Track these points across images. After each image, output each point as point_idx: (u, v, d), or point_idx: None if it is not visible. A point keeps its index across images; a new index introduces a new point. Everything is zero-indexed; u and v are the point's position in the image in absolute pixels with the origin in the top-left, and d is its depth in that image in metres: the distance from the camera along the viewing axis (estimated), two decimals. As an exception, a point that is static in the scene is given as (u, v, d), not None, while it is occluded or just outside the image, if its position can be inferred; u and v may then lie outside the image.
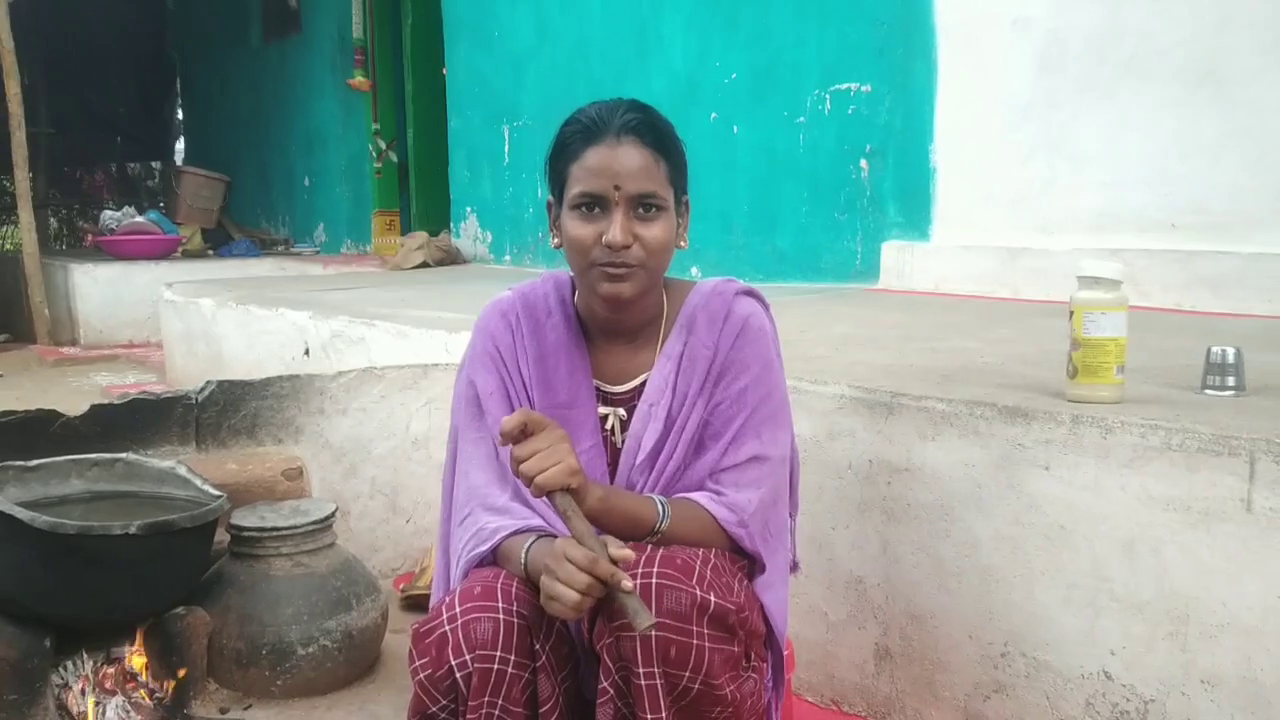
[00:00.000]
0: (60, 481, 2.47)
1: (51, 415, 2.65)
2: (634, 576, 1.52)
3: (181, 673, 2.35)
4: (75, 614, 2.26)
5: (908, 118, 4.18)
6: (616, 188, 1.63)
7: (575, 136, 1.69)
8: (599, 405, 1.81)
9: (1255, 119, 3.32)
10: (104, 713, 2.25)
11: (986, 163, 3.95)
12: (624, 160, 1.63)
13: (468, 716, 1.59)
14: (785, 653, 1.83)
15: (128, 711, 2.26)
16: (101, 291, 7.30)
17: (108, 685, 2.30)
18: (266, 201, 9.63)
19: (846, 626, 2.27)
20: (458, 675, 1.57)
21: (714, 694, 1.57)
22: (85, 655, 2.31)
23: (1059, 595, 1.93)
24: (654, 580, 1.54)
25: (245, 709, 2.38)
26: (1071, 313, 1.95)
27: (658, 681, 1.54)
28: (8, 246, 10.88)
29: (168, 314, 5.59)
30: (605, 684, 1.58)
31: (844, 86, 4.41)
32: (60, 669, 2.29)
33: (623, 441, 1.79)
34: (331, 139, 8.55)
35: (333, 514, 2.57)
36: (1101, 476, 1.86)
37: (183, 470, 2.51)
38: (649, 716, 1.54)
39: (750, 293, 1.82)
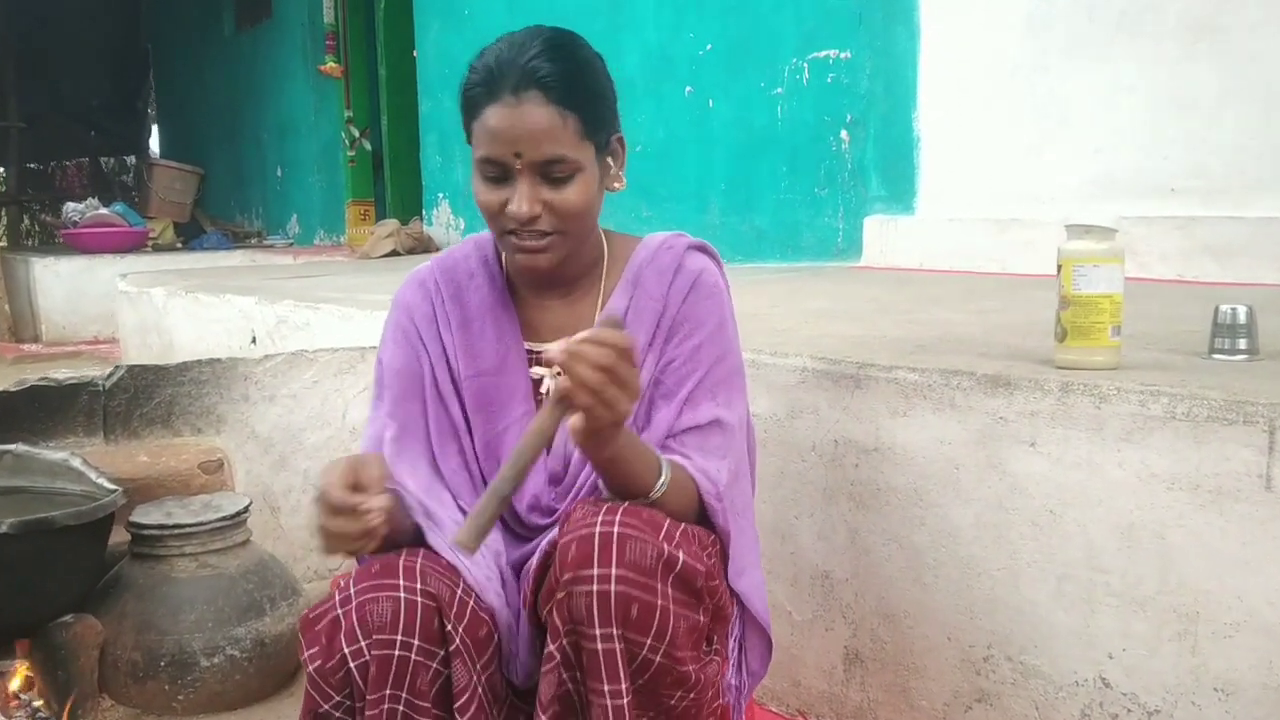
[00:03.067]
0: (-58, 476, 2.23)
1: (-61, 403, 2.41)
2: (592, 525, 1.33)
3: (71, 698, 2.11)
4: (-55, 624, 2.02)
5: (889, 85, 3.94)
6: (517, 154, 1.43)
7: (476, 89, 1.48)
8: (532, 368, 1.62)
9: (1258, 74, 3.07)
10: (-19, 733, 2.01)
11: (973, 130, 3.71)
12: (526, 122, 1.42)
13: (367, 714, 1.35)
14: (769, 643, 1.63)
15: (8, 732, 2.02)
16: (64, 286, 7.04)
17: (-12, 703, 2.06)
18: (240, 194, 9.40)
19: (812, 627, 2.03)
20: (352, 665, 1.36)
21: (676, 670, 1.34)
22: (-38, 670, 2.07)
23: (1049, 590, 1.68)
24: (615, 529, 1.33)
25: (142, 728, 2.15)
26: (1059, 267, 1.70)
27: (616, 645, 1.31)
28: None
29: (123, 306, 5.35)
30: (552, 648, 1.35)
31: (822, 54, 4.16)
32: (-65, 685, 2.05)
33: None
34: (304, 128, 8.31)
35: (245, 509, 2.33)
36: (1095, 452, 1.61)
37: (77, 463, 2.27)
38: (606, 688, 1.31)
39: (701, 247, 1.63)
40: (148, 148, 11.31)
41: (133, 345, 5.21)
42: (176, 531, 2.22)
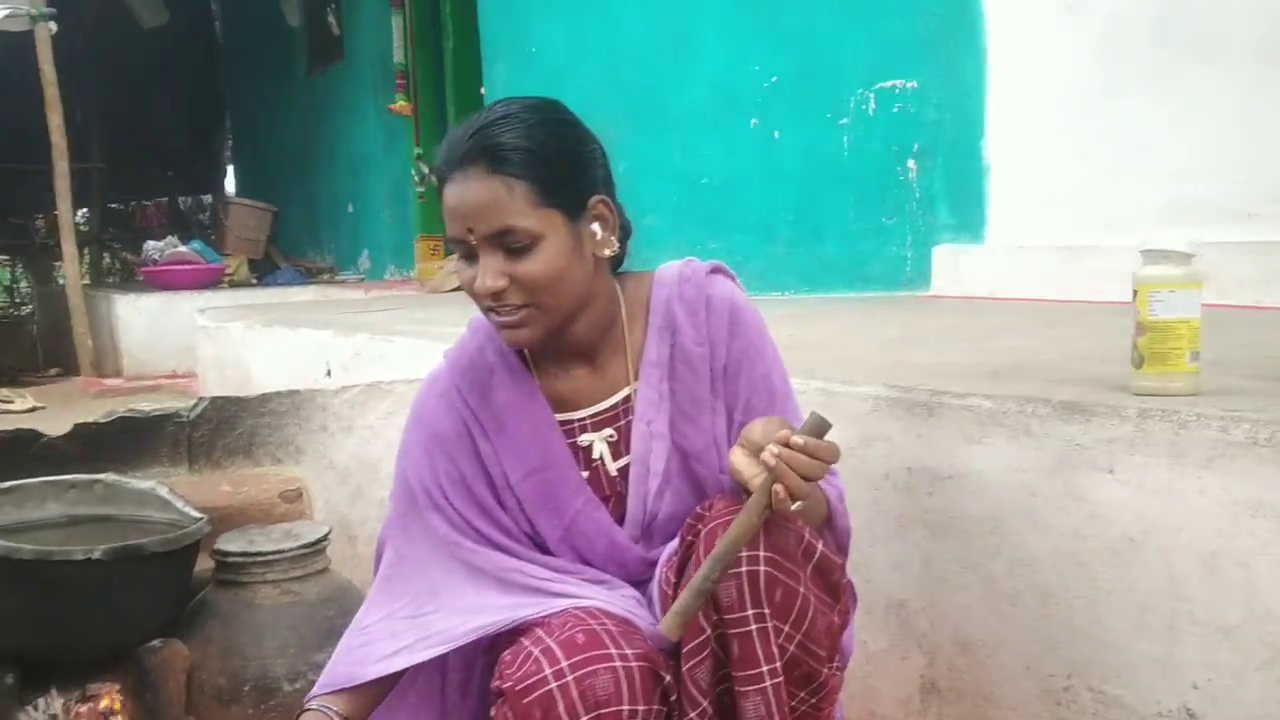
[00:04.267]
0: (35, 505, 2.31)
1: (32, 434, 2.50)
2: (737, 513, 1.36)
3: None
4: (39, 647, 2.08)
5: (957, 114, 3.93)
6: (470, 230, 1.43)
7: (438, 169, 1.49)
8: (579, 437, 1.60)
9: (1337, 97, 3.03)
10: (74, 756, 2.06)
11: (1044, 157, 3.68)
12: (471, 195, 1.43)
13: None
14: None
15: (99, 754, 2.07)
16: (144, 322, 7.23)
17: (80, 727, 2.11)
18: (312, 231, 9.59)
19: (888, 657, 2.02)
20: None
21: (808, 665, 1.37)
22: (55, 693, 2.13)
23: (1130, 619, 1.66)
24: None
25: (227, 751, 2.19)
26: (1135, 292, 1.70)
27: (768, 625, 1.33)
28: (61, 282, 10.97)
29: (201, 340, 5.49)
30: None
31: (889, 84, 4.16)
32: (30, 708, 2.11)
33: (617, 469, 1.59)
34: (375, 165, 8.48)
35: (325, 536, 2.38)
36: (1175, 479, 1.59)
37: (163, 492, 2.33)
38: (764, 668, 1.33)
39: (719, 269, 1.63)
40: (223, 187, 11.59)
41: (211, 378, 5.33)
42: (259, 559, 2.27)
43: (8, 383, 7.03)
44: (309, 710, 1.59)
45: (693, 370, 1.56)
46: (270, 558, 2.27)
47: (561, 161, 1.48)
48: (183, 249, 7.72)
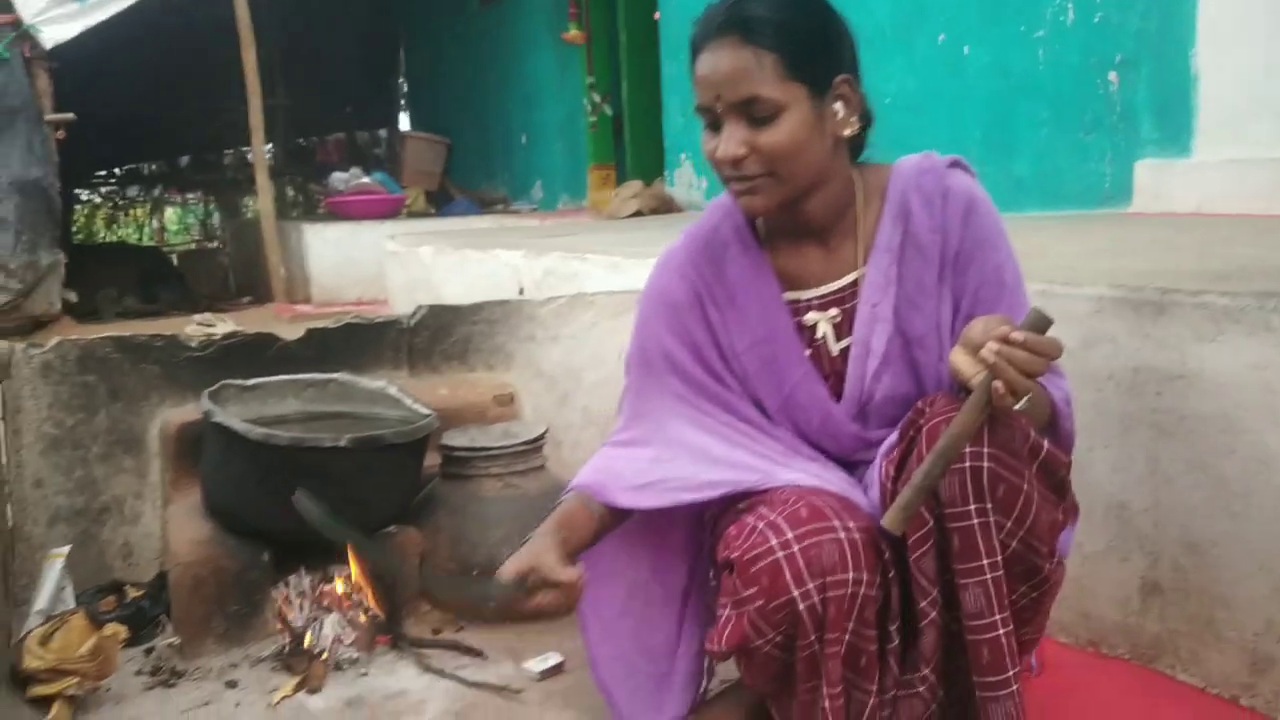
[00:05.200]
0: (277, 401, 2.48)
1: (270, 339, 2.67)
2: (954, 409, 1.39)
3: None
4: (290, 529, 2.22)
5: (1164, 21, 3.76)
6: (718, 98, 1.47)
7: (692, 42, 1.54)
8: (805, 315, 1.65)
9: None
10: (321, 628, 2.22)
11: (1259, 64, 3.50)
12: (723, 64, 1.47)
13: (826, 651, 1.44)
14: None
15: (344, 628, 2.23)
16: (331, 251, 7.54)
17: (324, 603, 2.27)
18: (485, 162, 9.79)
19: (1106, 559, 2.01)
20: (800, 606, 1.43)
21: (1030, 560, 1.40)
22: (304, 572, 2.29)
23: (1377, 518, 1.62)
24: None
25: (458, 630, 2.32)
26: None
27: (990, 520, 1.36)
28: (250, 215, 11.50)
29: (391, 265, 5.71)
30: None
31: (1089, -7, 4.01)
32: (281, 584, 2.28)
33: (839, 350, 1.63)
34: (548, 96, 8.59)
35: (543, 435, 2.49)
36: None
37: (394, 390, 2.48)
38: (984, 561, 1.37)
39: (958, 163, 1.64)
40: (398, 122, 11.92)
41: (401, 302, 5.54)
42: (483, 454, 2.39)
43: (204, 310, 7.45)
44: (570, 494, 1.70)
45: (923, 256, 1.58)
46: (494, 453, 2.39)
47: (811, 38, 1.51)
48: (366, 180, 8.00)
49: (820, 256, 1.65)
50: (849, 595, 1.43)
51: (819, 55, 1.51)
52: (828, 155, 1.55)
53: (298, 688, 2.09)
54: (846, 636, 1.44)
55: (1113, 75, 3.92)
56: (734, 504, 1.63)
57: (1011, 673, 1.41)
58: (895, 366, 1.62)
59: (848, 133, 1.55)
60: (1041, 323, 1.35)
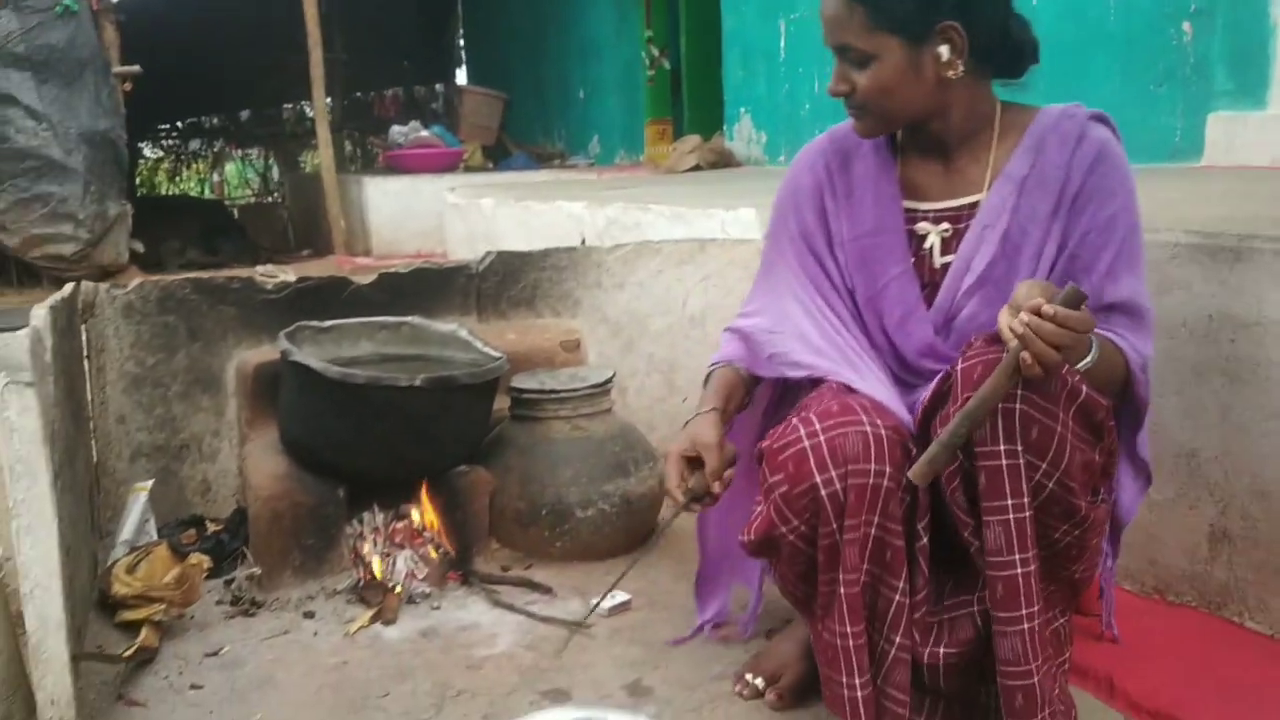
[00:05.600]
0: (351, 343, 2.53)
1: (343, 282, 2.72)
2: (998, 352, 1.43)
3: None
4: (366, 466, 2.30)
5: (1242, -31, 3.68)
6: (827, 38, 1.65)
7: None
8: (917, 224, 1.74)
9: None
10: (394, 564, 2.28)
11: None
12: (825, 12, 1.63)
13: (845, 537, 1.50)
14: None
15: (415, 564, 2.29)
16: (391, 204, 7.61)
17: (397, 539, 2.33)
18: (542, 117, 9.80)
19: (1174, 506, 2.01)
20: (823, 493, 1.50)
21: (1068, 501, 1.43)
22: (377, 509, 2.35)
23: None
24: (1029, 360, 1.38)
25: (526, 568, 2.38)
26: None
27: (1019, 461, 1.40)
28: (308, 169, 11.61)
29: (451, 216, 5.75)
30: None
31: (1163, -61, 3.93)
32: (355, 521, 2.34)
33: (941, 264, 1.70)
34: (606, 49, 8.57)
35: (610, 379, 2.52)
36: None
37: (464, 333, 2.52)
38: (1009, 502, 1.41)
39: (1102, 118, 1.68)
40: (455, 76, 11.95)
41: (460, 254, 5.58)
42: (553, 396, 2.43)
43: (265, 262, 7.56)
44: (718, 365, 1.87)
45: (1043, 189, 1.63)
46: (563, 395, 2.43)
47: None
48: (424, 133, 8.05)
49: (943, 175, 1.73)
50: (870, 485, 1.49)
51: (911, 6, 1.58)
52: (929, 94, 1.63)
53: (373, 619, 2.15)
54: (870, 529, 1.50)
55: (1186, 25, 3.85)
56: (801, 391, 1.77)
57: (1025, 611, 1.44)
58: (987, 290, 1.67)
59: (951, 74, 1.61)
60: (1075, 298, 1.37)
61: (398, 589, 2.22)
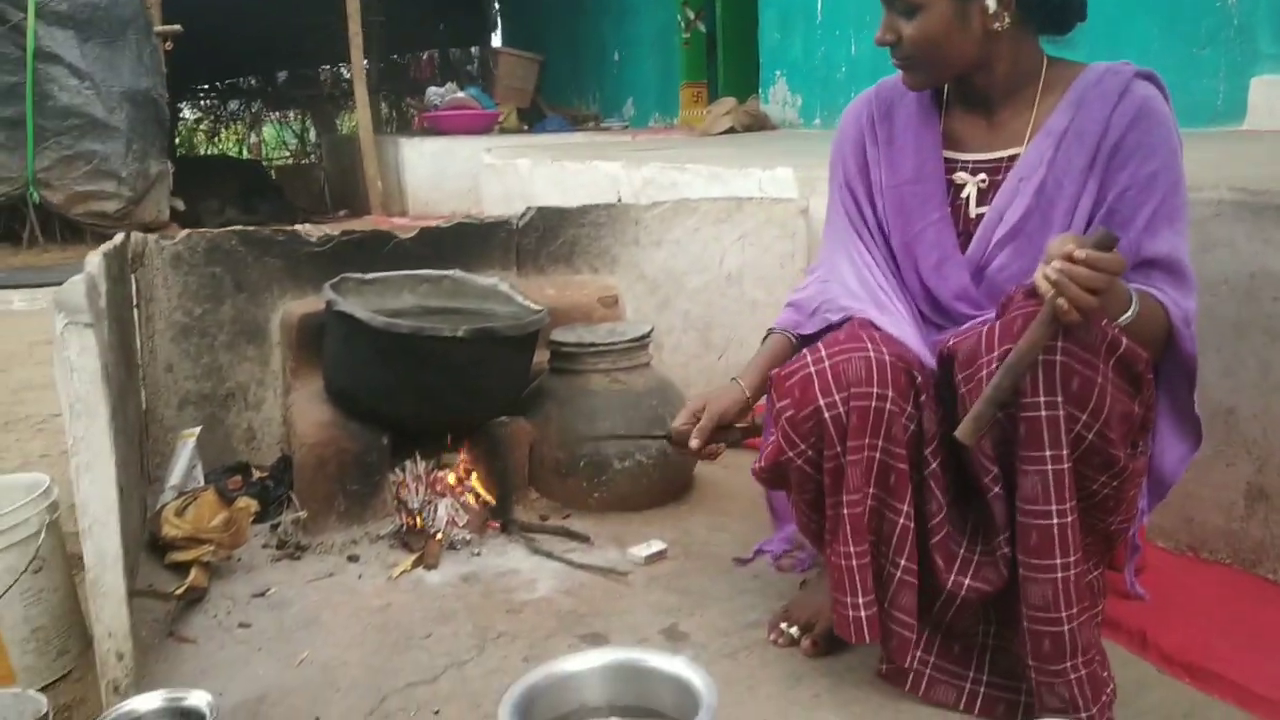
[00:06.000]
0: (394, 295, 2.56)
1: (385, 236, 2.76)
2: (1039, 306, 1.42)
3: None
4: (409, 414, 2.34)
5: (1289, -70, 3.63)
6: None
7: None
8: (956, 174, 1.76)
9: None
10: (435, 511, 2.33)
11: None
12: None
13: (848, 459, 1.54)
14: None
15: (456, 511, 2.33)
16: (427, 165, 7.64)
17: (438, 488, 2.38)
18: (577, 79, 9.80)
19: (1211, 464, 2.02)
20: (826, 415, 1.55)
21: (1107, 452, 1.44)
22: (419, 457, 2.39)
23: None
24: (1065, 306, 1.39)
25: (564, 518, 2.41)
26: None
27: (1059, 413, 1.42)
28: (345, 131, 11.65)
29: (487, 177, 5.78)
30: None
31: (1208, -104, 3.87)
32: (397, 469, 2.39)
33: (977, 214, 1.72)
34: (641, 12, 8.55)
35: (649, 334, 2.55)
36: None
37: (505, 287, 2.55)
38: (1047, 453, 1.43)
39: (1149, 76, 1.67)
40: (491, 39, 11.93)
41: (497, 214, 5.61)
42: (592, 349, 2.46)
43: (302, 222, 7.62)
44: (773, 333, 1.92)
45: (1080, 143, 1.64)
46: (602, 349, 2.46)
47: None
48: (461, 95, 8.07)
49: (985, 127, 1.75)
50: (873, 409, 1.53)
51: None
52: (975, 46, 1.65)
53: (415, 563, 2.20)
54: (873, 452, 1.54)
55: (1231, -12, 3.80)
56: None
57: (1059, 560, 1.46)
58: (1019, 242, 1.68)
59: (998, 26, 1.63)
60: (1106, 240, 1.37)
61: (439, 535, 2.26)
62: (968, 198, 1.74)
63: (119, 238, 2.41)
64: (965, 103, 1.76)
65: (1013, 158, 1.71)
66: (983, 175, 1.73)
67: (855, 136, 1.86)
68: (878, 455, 1.55)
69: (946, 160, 1.77)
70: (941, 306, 1.76)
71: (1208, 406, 2.00)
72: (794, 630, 1.84)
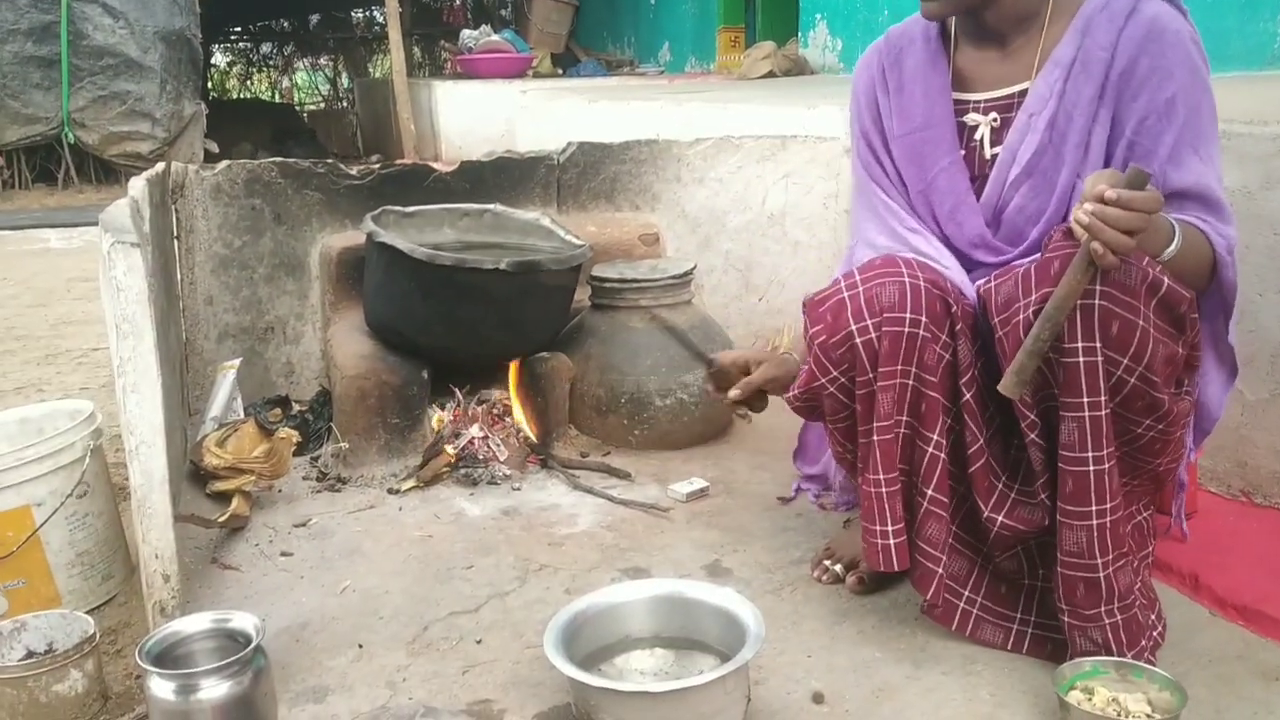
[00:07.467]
0: (434, 229, 2.54)
1: (425, 169, 2.73)
2: (1076, 248, 1.38)
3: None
4: (450, 347, 2.33)
5: None
6: None
7: None
8: (968, 115, 1.70)
9: None
10: (460, 440, 2.31)
11: None
12: None
13: (879, 385, 1.52)
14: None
15: (497, 446, 2.32)
16: (461, 109, 7.57)
17: (479, 422, 2.36)
18: (612, 24, 9.67)
19: (1267, 407, 1.98)
20: (857, 341, 1.53)
21: (1150, 395, 1.40)
22: (460, 392, 2.38)
23: None
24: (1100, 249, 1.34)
25: (604, 455, 2.40)
26: None
27: (1097, 359, 1.38)
28: (378, 75, 11.58)
29: (523, 119, 5.72)
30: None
31: None
32: (438, 404, 2.38)
33: (991, 155, 1.66)
34: (678, -46, 8.40)
35: (691, 271, 2.52)
36: None
37: (547, 222, 2.52)
38: (1085, 400, 1.39)
39: None
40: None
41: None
42: (633, 285, 2.43)
43: (335, 167, 7.59)
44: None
45: (1087, 72, 1.56)
46: (643, 285, 2.43)
47: None
48: (495, 38, 7.99)
49: (997, 62, 1.68)
50: (905, 335, 1.50)
51: None
52: None
53: (420, 467, 2.26)
54: (906, 380, 1.51)
55: (1293, -75, 3.68)
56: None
57: (1095, 508, 1.43)
58: (1034, 181, 1.62)
59: None
60: (1139, 179, 1.31)
61: (451, 450, 2.27)
62: (981, 139, 1.67)
63: (160, 166, 2.39)
64: (977, 38, 1.69)
65: (1023, 93, 1.63)
66: (995, 114, 1.67)
67: (867, 88, 1.81)
68: (910, 382, 1.52)
69: (957, 102, 1.70)
70: (960, 255, 1.70)
71: (1265, 349, 1.96)
72: (838, 568, 1.83)
